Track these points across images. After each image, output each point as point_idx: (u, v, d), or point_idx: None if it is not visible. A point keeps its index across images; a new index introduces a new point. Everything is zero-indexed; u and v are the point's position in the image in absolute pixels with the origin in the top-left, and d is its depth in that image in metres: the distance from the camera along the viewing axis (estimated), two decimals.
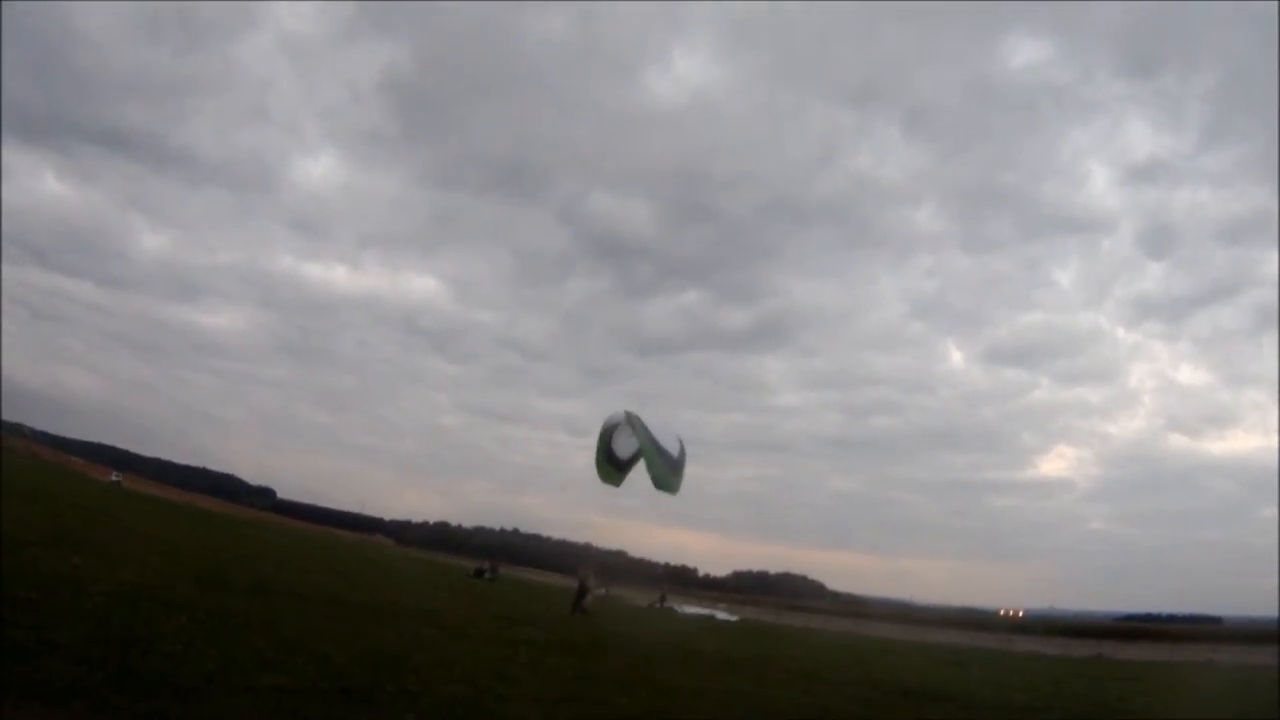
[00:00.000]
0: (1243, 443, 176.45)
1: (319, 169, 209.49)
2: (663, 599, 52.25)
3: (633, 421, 12.32)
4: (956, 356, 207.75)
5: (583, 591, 26.79)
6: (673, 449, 12.25)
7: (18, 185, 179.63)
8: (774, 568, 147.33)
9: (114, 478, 78.69)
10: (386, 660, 10.27)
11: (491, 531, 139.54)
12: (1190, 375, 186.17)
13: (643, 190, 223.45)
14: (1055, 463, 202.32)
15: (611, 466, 12.47)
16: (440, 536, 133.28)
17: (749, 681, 13.91)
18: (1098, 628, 56.42)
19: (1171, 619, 71.66)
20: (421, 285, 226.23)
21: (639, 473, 12.67)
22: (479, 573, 51.83)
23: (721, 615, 48.72)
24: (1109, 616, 78.01)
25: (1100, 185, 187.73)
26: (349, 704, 7.50)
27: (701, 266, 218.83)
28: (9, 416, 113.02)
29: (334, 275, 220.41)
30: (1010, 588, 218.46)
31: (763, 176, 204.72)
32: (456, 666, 10.85)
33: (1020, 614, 76.39)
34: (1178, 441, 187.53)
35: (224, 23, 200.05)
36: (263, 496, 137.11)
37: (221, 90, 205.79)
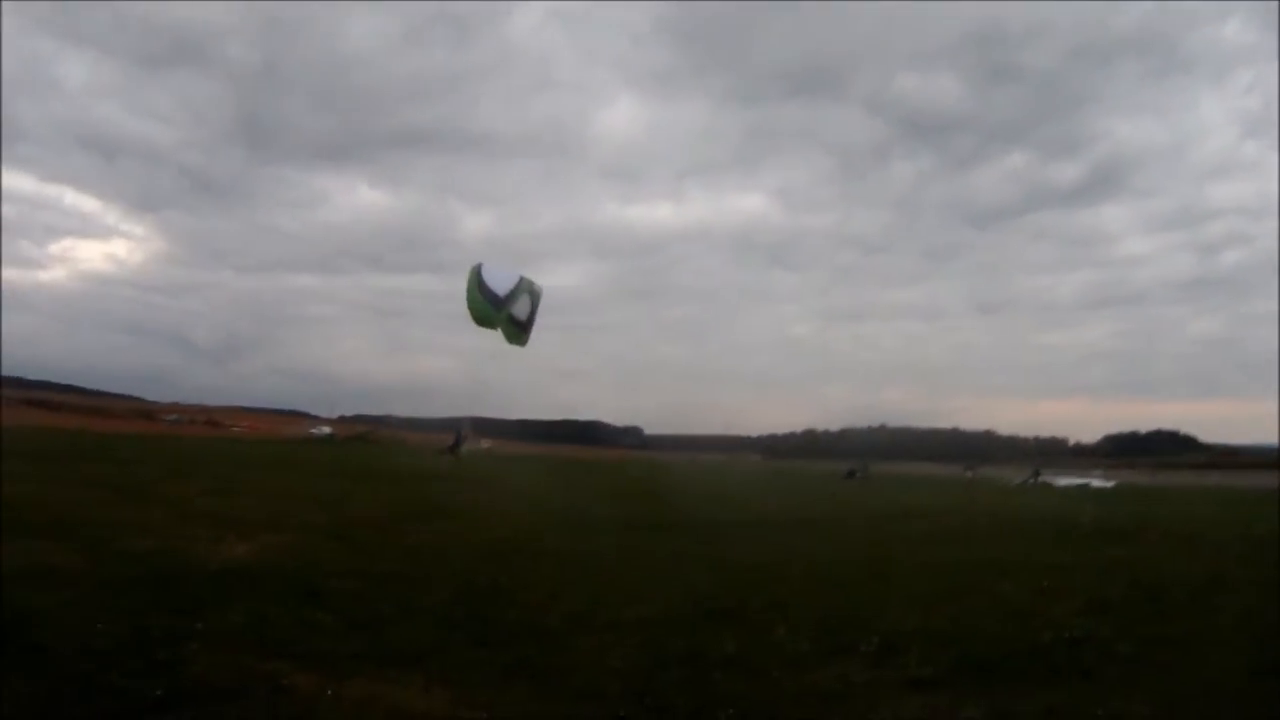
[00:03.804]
0: None
1: (620, 118, 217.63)
2: (1036, 474, 50.93)
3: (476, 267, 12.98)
4: None
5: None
6: (521, 314, 12.99)
7: (336, 204, 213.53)
8: (1143, 426, 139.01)
9: (482, 445, 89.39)
10: (756, 576, 10.38)
11: (859, 431, 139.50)
12: None
13: (945, 62, 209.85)
14: None
15: (515, 328, 12.99)
16: (808, 445, 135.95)
17: (1130, 550, 13.65)
18: None
19: None
20: (747, 203, 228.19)
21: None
22: (850, 474, 51.96)
23: (1096, 483, 47.04)
24: None
25: None
26: (714, 626, 7.46)
27: (1020, 127, 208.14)
28: (375, 413, 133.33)
29: (658, 213, 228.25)
30: None
31: (1059, 23, 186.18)
32: (829, 573, 10.88)
33: None
34: None
35: (488, 11, 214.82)
36: (630, 435, 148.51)
37: (505, 71, 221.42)
